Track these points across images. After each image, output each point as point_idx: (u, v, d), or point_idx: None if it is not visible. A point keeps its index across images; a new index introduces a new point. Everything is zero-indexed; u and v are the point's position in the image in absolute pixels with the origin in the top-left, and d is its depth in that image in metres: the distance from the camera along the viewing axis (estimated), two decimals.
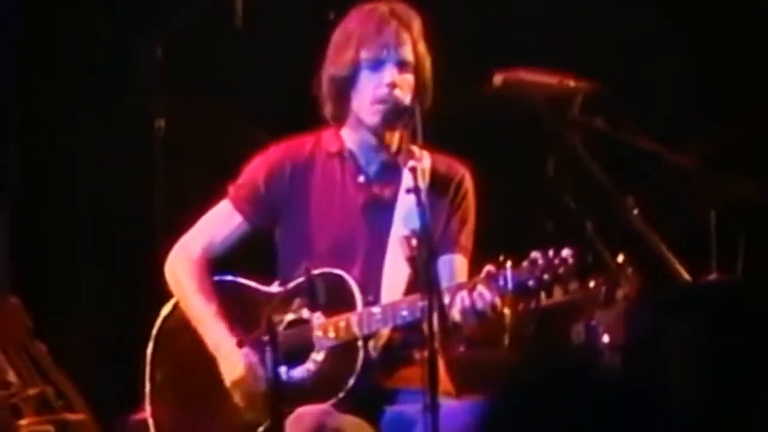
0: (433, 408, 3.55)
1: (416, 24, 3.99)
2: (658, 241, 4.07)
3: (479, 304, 3.81)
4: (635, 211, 4.09)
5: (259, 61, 5.09)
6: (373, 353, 3.97)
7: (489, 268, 3.88)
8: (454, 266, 4.05)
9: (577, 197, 4.07)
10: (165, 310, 4.17)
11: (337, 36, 4.05)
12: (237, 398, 4.02)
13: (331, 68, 4.02)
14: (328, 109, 4.06)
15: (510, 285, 3.84)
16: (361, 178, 4.10)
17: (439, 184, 4.02)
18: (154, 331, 4.18)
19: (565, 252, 3.82)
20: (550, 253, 3.84)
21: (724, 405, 3.15)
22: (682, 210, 4.30)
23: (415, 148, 3.89)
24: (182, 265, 4.14)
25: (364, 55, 3.97)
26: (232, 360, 4.02)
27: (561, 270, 3.82)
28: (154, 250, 4.23)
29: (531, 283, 3.82)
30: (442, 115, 3.92)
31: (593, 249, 3.93)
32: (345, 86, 4.01)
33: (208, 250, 4.15)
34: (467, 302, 3.80)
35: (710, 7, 5.09)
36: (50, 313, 4.44)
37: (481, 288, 3.82)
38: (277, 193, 4.13)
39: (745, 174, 4.38)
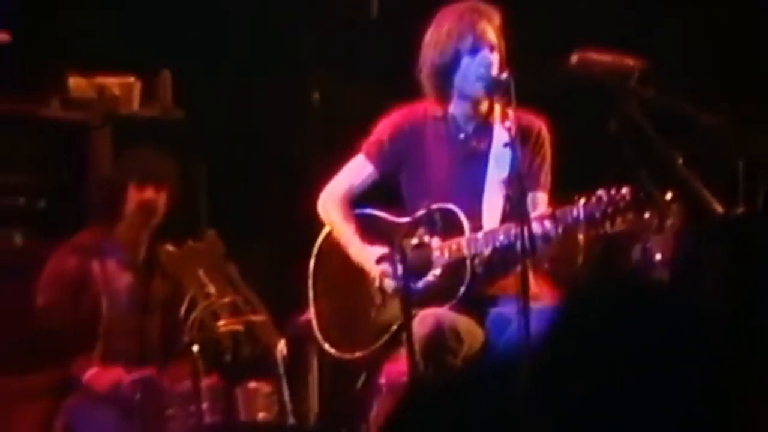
0: (525, 311, 3.61)
1: (496, 17, 4.08)
2: (698, 182, 4.04)
3: (540, 232, 3.85)
4: (680, 160, 4.06)
5: (390, 42, 5.11)
6: (478, 268, 4.02)
7: (548, 209, 3.94)
8: (536, 201, 4.05)
9: (634, 149, 4.02)
10: (320, 238, 4.24)
11: (433, 33, 4.10)
12: (377, 300, 4.09)
13: (436, 59, 4.07)
14: (430, 89, 4.12)
15: (581, 216, 3.85)
16: (461, 136, 4.15)
17: (523, 135, 4.00)
18: (315, 251, 4.24)
19: (624, 189, 3.84)
20: (612, 190, 3.84)
21: (746, 305, 3.18)
22: (717, 159, 4.15)
23: (510, 111, 3.89)
24: (331, 202, 4.21)
25: (463, 46, 4.04)
26: (373, 269, 4.08)
27: (621, 204, 3.83)
28: (311, 193, 4.29)
29: (598, 214, 3.84)
30: (534, 85, 3.94)
31: (647, 189, 3.89)
32: (447, 71, 4.07)
33: (349, 191, 4.21)
34: (538, 229, 3.85)
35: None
36: (239, 240, 4.45)
37: (546, 221, 3.88)
38: (399, 148, 4.17)
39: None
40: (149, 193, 4.60)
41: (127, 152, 4.89)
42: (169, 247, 4.34)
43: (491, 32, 4.05)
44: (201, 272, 4.23)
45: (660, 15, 5.06)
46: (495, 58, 4.04)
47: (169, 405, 4.38)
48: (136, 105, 5.39)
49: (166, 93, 5.45)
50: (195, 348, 4.18)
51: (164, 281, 4.64)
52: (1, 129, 5.08)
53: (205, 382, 4.24)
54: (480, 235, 4.01)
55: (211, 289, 4.22)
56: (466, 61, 4.06)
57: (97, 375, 4.48)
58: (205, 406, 4.24)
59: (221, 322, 4.21)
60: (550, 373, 2.84)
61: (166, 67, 5.45)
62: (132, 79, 5.39)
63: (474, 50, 4.05)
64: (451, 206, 4.06)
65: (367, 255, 4.11)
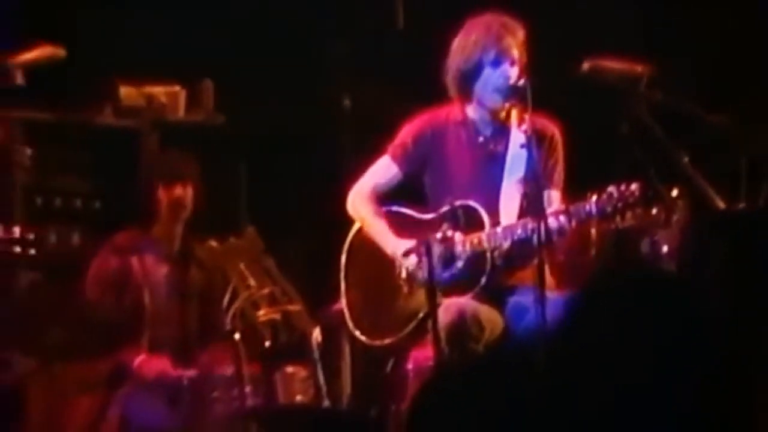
0: (542, 299, 3.63)
1: (520, 32, 4.12)
2: (702, 180, 4.05)
3: (556, 226, 3.89)
4: (686, 159, 4.07)
5: (414, 52, 5.12)
6: (498, 260, 4.05)
7: (562, 205, 3.97)
8: (551, 198, 4.09)
9: (643, 149, 4.04)
10: (351, 234, 4.28)
11: (461, 41, 4.14)
12: (405, 290, 4.13)
13: (460, 65, 4.12)
14: (453, 92, 4.17)
15: (594, 211, 3.89)
16: (480, 139, 4.19)
17: (538, 137, 4.02)
18: (346, 246, 4.27)
19: (633, 185, 3.86)
20: (622, 186, 3.86)
21: (747, 294, 3.18)
22: (720, 158, 4.16)
23: (526, 115, 3.93)
24: (360, 200, 4.26)
25: (486, 57, 4.09)
26: (401, 261, 4.10)
27: (631, 199, 3.85)
28: (342, 193, 4.34)
29: (609, 209, 3.87)
30: (550, 91, 3.98)
31: (655, 186, 3.91)
32: (470, 78, 4.13)
33: (375, 190, 4.26)
34: (553, 224, 3.88)
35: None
36: (276, 236, 4.48)
37: (560, 216, 3.92)
38: (422, 150, 4.21)
39: None
40: (177, 191, 4.72)
41: (151, 158, 4.97)
42: (213, 243, 4.40)
43: (514, 47, 4.09)
44: (242, 266, 4.29)
45: (666, 21, 5.07)
46: (515, 71, 4.09)
47: (214, 389, 4.44)
48: (181, 112, 5.44)
49: (209, 100, 5.51)
50: (237, 336, 4.25)
51: (199, 270, 4.72)
52: (60, 136, 5.18)
53: (247, 368, 4.30)
54: (499, 229, 4.05)
55: (251, 281, 4.27)
56: (487, 71, 4.11)
57: (144, 362, 4.57)
58: (247, 389, 4.28)
59: (261, 312, 4.27)
60: (566, 356, 2.87)
61: (209, 77, 5.50)
62: (177, 88, 5.44)
63: (496, 63, 4.10)
64: (472, 203, 4.10)
65: (397, 245, 4.15)
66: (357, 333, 4.22)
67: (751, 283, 3.12)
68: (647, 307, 2.76)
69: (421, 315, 4.06)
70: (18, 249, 4.00)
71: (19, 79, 4.41)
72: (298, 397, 4.43)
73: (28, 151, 5.07)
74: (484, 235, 4.05)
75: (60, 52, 4.47)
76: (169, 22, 5.29)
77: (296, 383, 4.44)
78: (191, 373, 4.54)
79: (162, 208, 4.72)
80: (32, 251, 4.01)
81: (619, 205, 3.86)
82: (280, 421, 4.22)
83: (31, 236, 4.01)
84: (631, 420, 2.71)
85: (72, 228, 4.47)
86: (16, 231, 4.01)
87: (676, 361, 2.74)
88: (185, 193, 4.72)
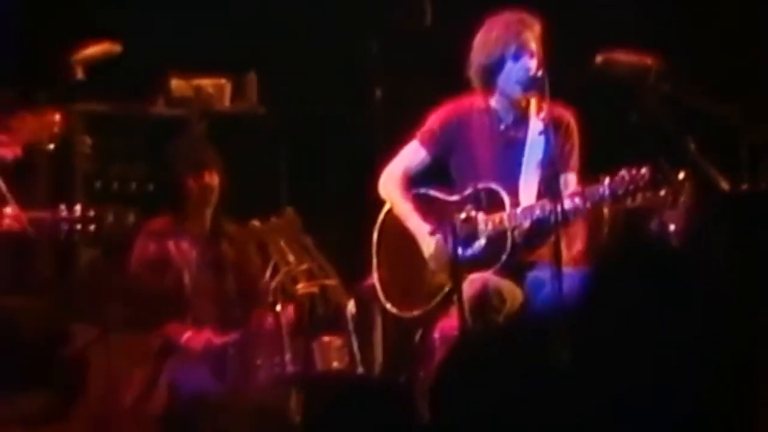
0: (558, 275, 3.66)
1: (537, 27, 4.17)
2: (708, 164, 4.07)
3: (571, 207, 3.93)
4: (692, 145, 4.09)
5: (441, 46, 5.13)
6: (518, 239, 4.09)
7: (578, 187, 4.00)
8: (567, 180, 4.12)
9: (652, 135, 4.07)
10: (382, 215, 4.31)
11: (483, 37, 4.19)
12: (432, 266, 4.17)
13: (483, 60, 4.18)
14: (476, 84, 4.21)
15: (607, 193, 3.92)
16: (502, 126, 4.24)
17: (555, 124, 4.05)
18: (377, 225, 4.31)
19: (644, 169, 3.90)
20: (633, 170, 3.90)
21: (746, 266, 3.22)
22: (724, 145, 4.16)
23: (544, 104, 3.98)
24: (391, 183, 4.29)
25: (507, 51, 4.14)
26: (428, 240, 4.17)
27: (641, 182, 3.88)
28: (374, 176, 4.37)
29: (621, 191, 3.89)
30: (568, 83, 4.03)
31: (663, 170, 3.92)
32: (493, 71, 4.18)
33: (405, 172, 4.29)
34: (569, 205, 3.92)
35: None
36: (314, 216, 4.52)
37: (576, 198, 3.96)
38: (448, 136, 4.25)
39: None
40: (206, 178, 4.82)
41: (176, 151, 5.06)
42: (255, 223, 4.49)
43: (533, 41, 4.14)
44: (282, 243, 4.35)
45: (674, 18, 5.08)
46: (534, 63, 4.14)
47: (257, 356, 4.52)
48: (227, 102, 5.52)
49: (252, 92, 5.57)
50: (278, 307, 4.32)
51: (231, 247, 4.80)
52: (117, 125, 5.30)
53: (287, 337, 4.37)
54: (519, 210, 4.09)
55: (291, 257, 4.33)
56: (509, 65, 4.16)
57: (191, 337, 4.67)
58: (287, 357, 4.35)
59: (299, 286, 4.33)
60: (580, 326, 2.92)
61: (252, 70, 5.55)
62: (223, 80, 5.52)
63: (517, 56, 4.14)
64: (494, 186, 4.15)
65: (422, 224, 4.19)
66: (388, 305, 4.27)
67: (751, 259, 3.16)
68: (655, 280, 2.81)
69: (447, 288, 4.10)
70: (79, 226, 4.14)
71: (80, 74, 4.51)
72: (334, 365, 4.47)
73: (89, 141, 5.19)
74: (505, 216, 4.09)
75: (116, 48, 4.57)
76: (218, 24, 5.35)
77: (332, 352, 4.47)
78: (235, 335, 4.60)
79: (193, 195, 4.81)
80: (92, 227, 4.14)
81: (631, 187, 3.89)
82: (317, 387, 4.28)
83: (91, 213, 4.15)
84: (640, 382, 2.76)
85: (128, 209, 4.60)
86: (77, 209, 4.15)
87: (681, 329, 2.79)
88: (212, 179, 4.83)
